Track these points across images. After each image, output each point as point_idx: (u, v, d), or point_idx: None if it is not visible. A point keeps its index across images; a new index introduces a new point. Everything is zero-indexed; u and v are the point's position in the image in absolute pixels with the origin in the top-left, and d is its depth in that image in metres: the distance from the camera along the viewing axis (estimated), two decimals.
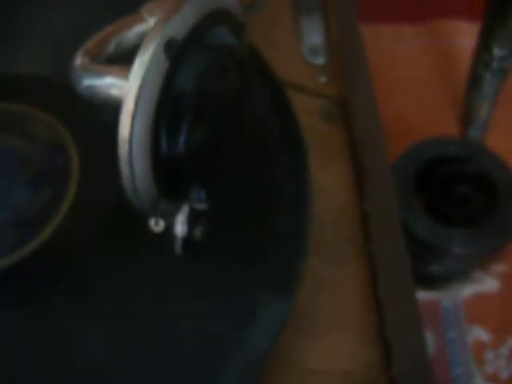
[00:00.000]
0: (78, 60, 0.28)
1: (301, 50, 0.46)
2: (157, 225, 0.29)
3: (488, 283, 0.71)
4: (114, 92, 0.26)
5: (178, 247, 0.32)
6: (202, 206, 0.31)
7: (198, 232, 0.31)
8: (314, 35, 0.47)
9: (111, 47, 0.29)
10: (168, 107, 0.25)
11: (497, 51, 0.73)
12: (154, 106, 0.24)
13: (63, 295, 0.31)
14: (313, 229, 0.37)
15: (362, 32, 0.47)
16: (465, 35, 0.91)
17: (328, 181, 0.40)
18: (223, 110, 0.29)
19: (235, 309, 0.32)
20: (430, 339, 0.70)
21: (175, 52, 0.24)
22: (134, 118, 0.24)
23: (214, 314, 0.32)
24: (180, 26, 0.25)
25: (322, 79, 0.45)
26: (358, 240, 0.37)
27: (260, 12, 0.48)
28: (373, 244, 0.36)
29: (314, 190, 0.38)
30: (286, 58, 0.46)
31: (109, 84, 0.26)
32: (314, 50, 0.47)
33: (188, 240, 0.32)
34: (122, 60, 0.27)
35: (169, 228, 0.31)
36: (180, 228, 0.31)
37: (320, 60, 0.46)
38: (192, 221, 0.31)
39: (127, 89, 0.23)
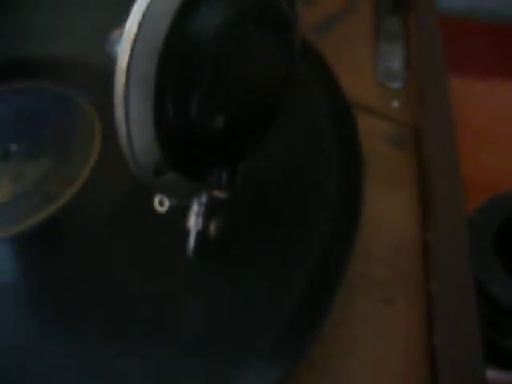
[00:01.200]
0: (114, 33, 0.25)
1: (376, 72, 0.42)
2: (161, 204, 0.24)
3: None
4: None
5: (191, 245, 0.27)
6: (222, 194, 0.26)
7: (213, 227, 0.26)
8: (392, 59, 0.43)
9: None
10: (179, 52, 0.21)
11: None
12: (160, 44, 0.20)
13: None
14: (361, 260, 0.30)
15: (451, 84, 0.42)
16: None
17: (386, 209, 0.34)
18: (257, 82, 0.24)
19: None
20: None
21: None
22: (133, 49, 0.19)
23: None
24: None
25: (395, 104, 0.40)
26: (413, 277, 0.30)
27: (338, 31, 0.45)
28: (433, 282, 0.29)
29: (368, 217, 0.32)
30: (359, 79, 0.41)
31: None
32: (391, 74, 0.42)
33: (202, 237, 0.26)
34: None
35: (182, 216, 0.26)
36: (194, 220, 0.26)
37: (396, 84, 0.41)
38: (209, 213, 0.26)
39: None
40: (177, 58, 0.21)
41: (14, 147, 0.32)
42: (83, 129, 0.31)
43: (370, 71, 0.42)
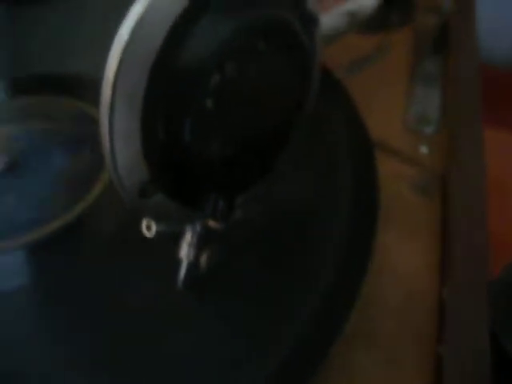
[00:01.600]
0: None
1: (408, 115, 0.40)
2: (149, 229, 0.23)
3: None
4: None
5: (181, 277, 0.25)
6: (217, 225, 0.24)
7: (204, 259, 0.24)
8: (426, 103, 0.41)
9: None
10: (174, 68, 0.19)
11: None
12: (153, 56, 0.19)
13: None
14: (366, 309, 0.28)
15: (485, 134, 0.39)
16: None
17: (401, 259, 0.31)
18: (262, 107, 0.23)
19: None
20: None
21: None
22: (122, 57, 0.18)
23: None
24: None
25: (424, 149, 0.38)
26: (423, 333, 0.27)
27: (371, 71, 0.43)
28: (444, 345, 0.26)
29: (381, 263, 0.30)
30: (388, 121, 0.39)
31: None
32: (422, 118, 0.40)
33: (193, 269, 0.25)
34: None
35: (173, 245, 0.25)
36: (186, 251, 0.24)
37: (427, 129, 0.39)
38: (201, 244, 0.24)
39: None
40: (171, 74, 0.19)
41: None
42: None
43: (401, 113, 0.40)
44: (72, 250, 0.28)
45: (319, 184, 0.32)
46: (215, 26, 0.19)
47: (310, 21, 0.25)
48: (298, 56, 0.23)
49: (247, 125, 0.22)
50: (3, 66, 0.38)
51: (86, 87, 0.35)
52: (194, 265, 0.25)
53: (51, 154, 0.31)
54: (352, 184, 0.32)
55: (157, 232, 0.23)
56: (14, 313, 0.25)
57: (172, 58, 0.19)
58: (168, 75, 0.19)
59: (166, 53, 0.19)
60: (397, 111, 0.40)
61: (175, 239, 0.24)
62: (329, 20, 0.35)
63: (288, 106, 0.24)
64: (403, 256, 0.31)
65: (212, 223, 0.24)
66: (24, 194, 0.30)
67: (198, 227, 0.24)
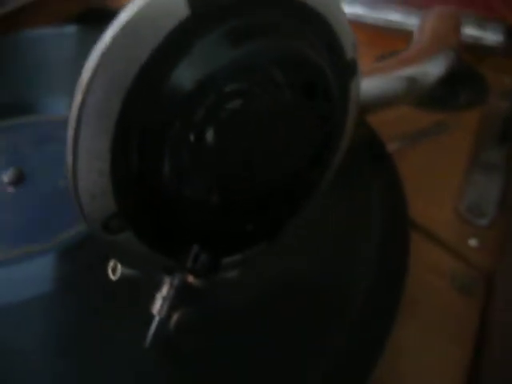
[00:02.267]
0: None
1: (460, 202, 0.35)
2: (114, 271, 0.19)
3: None
4: None
5: (149, 335, 0.21)
6: (196, 282, 0.20)
7: (174, 319, 0.21)
8: (483, 192, 0.36)
9: None
10: (156, 91, 0.16)
11: None
12: (134, 70, 0.16)
13: None
14: None
15: None
16: None
17: (429, 362, 0.26)
18: (265, 156, 0.19)
19: None
20: None
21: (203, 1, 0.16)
22: (98, 65, 0.15)
23: None
24: None
25: (473, 242, 0.33)
26: None
27: (425, 147, 0.39)
28: None
29: (401, 368, 0.25)
30: (437, 205, 0.35)
31: None
32: (476, 208, 0.35)
33: (162, 327, 0.21)
34: None
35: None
36: (159, 305, 0.21)
37: (479, 221, 0.34)
38: (177, 300, 0.21)
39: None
40: (153, 94, 0.16)
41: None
42: None
43: (453, 199, 0.35)
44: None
45: (337, 255, 0.28)
46: (217, 47, 0.17)
47: (346, 71, 0.21)
48: (321, 106, 0.19)
49: (241, 171, 0.19)
50: None
51: None
52: (162, 326, 0.21)
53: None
54: (375, 263, 0.27)
55: (123, 276, 0.19)
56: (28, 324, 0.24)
57: (157, 77, 0.16)
58: (150, 95, 0.16)
59: (151, 69, 0.16)
60: (449, 196, 0.36)
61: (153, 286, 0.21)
62: (385, 82, 0.32)
63: (300, 162, 0.20)
64: (429, 358, 0.26)
65: (191, 279, 0.20)
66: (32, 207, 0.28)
67: (176, 280, 0.21)
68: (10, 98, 0.36)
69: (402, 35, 0.51)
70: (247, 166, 0.19)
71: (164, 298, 0.21)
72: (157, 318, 0.21)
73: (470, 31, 0.47)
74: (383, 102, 0.33)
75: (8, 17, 0.53)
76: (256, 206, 0.20)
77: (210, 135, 0.17)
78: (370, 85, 0.29)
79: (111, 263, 0.20)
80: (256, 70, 0.17)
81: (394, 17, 0.52)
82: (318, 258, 0.27)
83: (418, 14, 0.50)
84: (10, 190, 0.29)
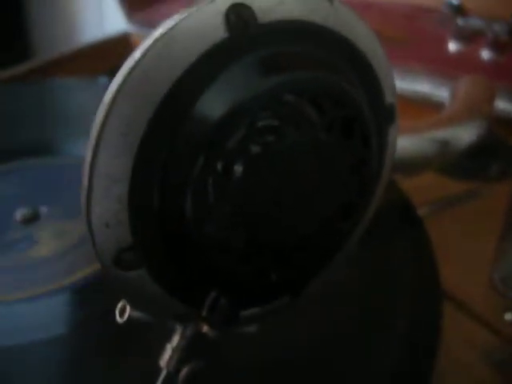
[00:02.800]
0: None
1: (495, 274, 0.33)
2: (122, 313, 0.18)
3: None
4: None
5: None
6: (211, 333, 0.18)
7: (181, 376, 0.19)
8: None
9: None
10: (184, 112, 0.15)
11: None
12: (162, 92, 0.15)
13: None
14: None
15: None
16: None
17: None
18: (295, 203, 0.18)
19: None
20: None
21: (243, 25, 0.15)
22: (124, 83, 0.14)
23: None
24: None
25: (509, 317, 0.30)
26: None
27: (456, 213, 0.38)
28: None
29: None
30: (470, 275, 0.33)
31: None
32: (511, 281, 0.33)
33: (169, 381, 0.19)
34: None
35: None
36: (169, 357, 0.19)
37: None
38: (188, 353, 0.19)
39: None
40: (180, 121, 0.15)
41: (45, 209, 0.28)
42: None
43: (486, 270, 0.33)
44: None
45: (364, 325, 0.25)
46: (252, 74, 0.16)
47: (385, 116, 0.20)
48: (357, 147, 0.18)
49: (269, 211, 0.17)
50: None
51: None
52: (171, 378, 0.19)
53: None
54: (404, 337, 0.25)
55: (131, 319, 0.17)
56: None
57: (186, 101, 0.15)
58: (177, 120, 0.15)
59: (180, 92, 0.15)
60: (481, 267, 0.34)
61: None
62: (416, 143, 0.31)
63: (332, 210, 0.19)
64: None
65: (206, 329, 0.18)
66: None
67: (189, 330, 0.19)
68: (35, 139, 0.35)
69: (430, 106, 0.51)
70: (275, 207, 0.17)
71: (174, 350, 0.19)
72: (164, 372, 0.19)
73: (502, 105, 0.46)
74: (413, 163, 0.31)
75: (40, 70, 0.54)
76: (282, 254, 0.19)
77: (238, 169, 0.16)
78: (400, 144, 0.28)
79: (120, 304, 0.18)
80: (291, 102, 0.16)
81: (423, 88, 0.52)
82: (342, 326, 0.25)
83: (446, 85, 0.50)
84: (24, 227, 0.28)
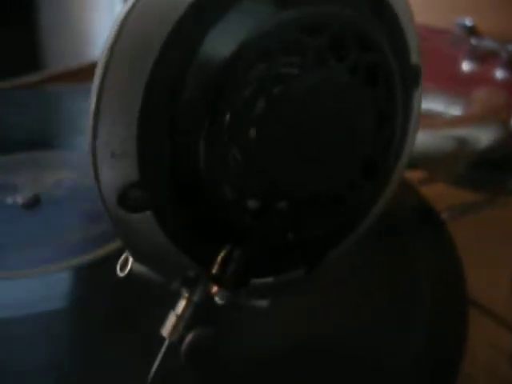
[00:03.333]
0: None
1: None
2: (123, 266, 0.16)
3: None
4: None
5: (155, 366, 0.17)
6: (221, 295, 0.17)
7: (185, 345, 0.17)
8: None
9: None
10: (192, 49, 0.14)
11: None
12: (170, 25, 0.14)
13: None
14: None
15: None
16: None
17: None
18: (308, 149, 0.16)
19: None
20: None
21: None
22: (122, 27, 0.14)
23: None
24: None
25: None
26: None
27: (477, 220, 0.36)
28: None
29: None
30: (492, 281, 0.31)
31: None
32: None
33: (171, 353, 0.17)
34: None
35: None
36: (172, 325, 0.17)
37: None
38: (194, 321, 0.17)
39: None
40: (187, 60, 0.14)
41: None
42: None
43: (509, 275, 0.32)
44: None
45: (389, 331, 0.23)
46: (266, 8, 0.15)
47: (410, 76, 0.19)
48: (382, 99, 0.17)
49: (287, 162, 0.16)
50: None
51: None
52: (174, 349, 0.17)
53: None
54: (430, 342, 0.23)
55: (132, 273, 0.16)
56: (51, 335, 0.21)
57: (193, 38, 0.14)
58: (183, 61, 0.14)
59: (186, 29, 0.14)
60: (505, 273, 0.32)
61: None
62: (435, 139, 0.30)
63: (353, 167, 0.17)
64: None
65: (216, 291, 0.17)
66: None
67: (197, 295, 0.17)
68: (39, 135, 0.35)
69: None
70: (294, 156, 0.16)
71: (178, 317, 0.17)
72: (167, 342, 0.17)
73: None
74: (431, 159, 0.30)
75: (51, 80, 0.54)
76: (299, 211, 0.17)
77: (259, 106, 0.15)
78: (418, 139, 0.27)
79: (123, 256, 0.16)
80: (311, 39, 0.15)
81: (437, 106, 0.52)
82: (365, 331, 0.23)
83: (460, 103, 0.50)
84: (26, 211, 0.27)
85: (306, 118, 0.16)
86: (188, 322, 0.17)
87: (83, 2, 0.74)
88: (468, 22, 0.54)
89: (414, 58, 0.19)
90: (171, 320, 0.17)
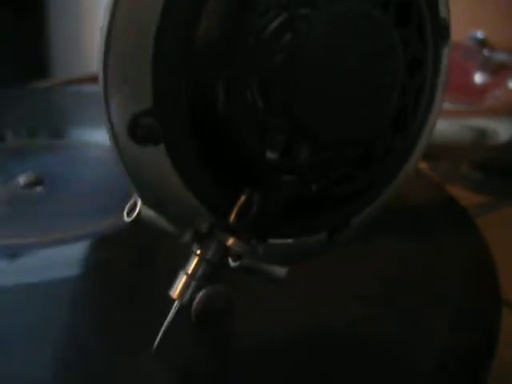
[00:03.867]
0: None
1: None
2: (130, 212, 0.15)
3: None
4: None
5: (162, 330, 0.16)
6: (240, 247, 0.15)
7: (199, 300, 0.15)
8: None
9: None
10: None
11: None
12: None
13: None
14: None
15: None
16: None
17: None
18: (338, 91, 0.15)
19: None
20: None
21: None
22: None
23: None
24: None
25: None
26: None
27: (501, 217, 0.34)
28: None
29: None
30: None
31: None
32: None
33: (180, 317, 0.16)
34: None
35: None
36: (180, 287, 0.16)
37: None
38: (207, 280, 0.16)
39: None
40: None
41: None
42: None
43: None
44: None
45: (416, 328, 0.21)
46: None
47: (439, 30, 0.18)
48: (413, 41, 0.16)
49: (313, 103, 0.15)
50: None
51: None
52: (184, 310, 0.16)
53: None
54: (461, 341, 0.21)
55: (140, 218, 0.14)
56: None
57: None
58: None
59: None
60: None
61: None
62: (453, 127, 0.29)
63: (381, 117, 0.16)
64: None
65: (232, 243, 0.15)
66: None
67: (209, 252, 0.16)
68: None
69: None
70: (319, 97, 0.15)
71: (189, 276, 0.16)
72: (177, 304, 0.16)
73: None
74: (448, 147, 0.29)
75: None
76: (324, 162, 0.16)
77: (286, 27, 0.14)
78: (437, 126, 0.25)
79: (132, 200, 0.15)
80: None
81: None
82: (393, 329, 0.21)
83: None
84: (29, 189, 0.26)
85: (335, 52, 0.15)
86: (199, 283, 0.16)
87: (92, 19, 0.75)
88: (479, 34, 0.54)
89: (443, 11, 0.18)
90: (181, 280, 0.16)
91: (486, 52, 0.52)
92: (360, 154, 0.16)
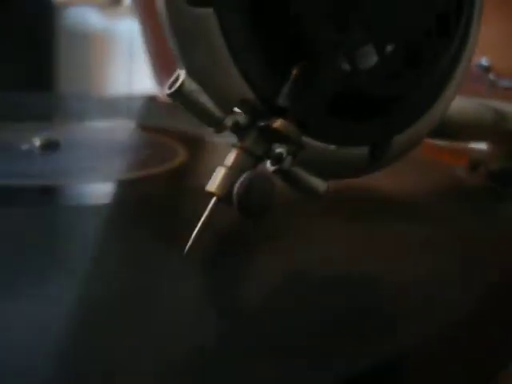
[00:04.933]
0: None
1: None
2: (172, 85, 0.14)
3: None
4: None
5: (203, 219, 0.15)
6: (286, 129, 0.15)
7: (243, 182, 0.14)
8: None
9: None
10: None
11: None
12: None
13: None
14: None
15: None
16: None
17: None
18: None
19: None
20: None
21: None
22: None
23: None
24: None
25: None
26: None
27: None
28: None
29: None
30: None
31: None
32: None
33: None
34: None
35: None
36: (219, 180, 0.15)
37: None
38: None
39: None
40: None
41: None
42: None
43: None
44: None
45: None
46: None
47: None
48: None
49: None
50: None
51: None
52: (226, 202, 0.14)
53: None
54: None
55: (182, 90, 0.13)
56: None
57: None
58: None
59: None
60: None
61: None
62: (473, 106, 0.28)
63: (425, 19, 0.16)
64: None
65: (280, 124, 0.14)
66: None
67: (253, 141, 0.15)
68: None
69: (465, 154, 0.49)
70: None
71: (228, 169, 0.15)
72: (214, 199, 0.15)
73: None
74: (467, 125, 0.28)
75: None
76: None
77: None
78: (457, 104, 0.25)
79: (173, 76, 0.14)
80: None
81: None
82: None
83: None
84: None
85: None
86: (239, 176, 0.14)
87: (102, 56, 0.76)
88: (484, 61, 0.55)
89: None
90: (219, 173, 0.15)
91: (491, 76, 0.52)
92: (409, 55, 0.16)
